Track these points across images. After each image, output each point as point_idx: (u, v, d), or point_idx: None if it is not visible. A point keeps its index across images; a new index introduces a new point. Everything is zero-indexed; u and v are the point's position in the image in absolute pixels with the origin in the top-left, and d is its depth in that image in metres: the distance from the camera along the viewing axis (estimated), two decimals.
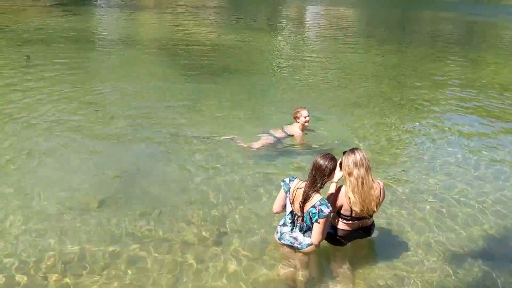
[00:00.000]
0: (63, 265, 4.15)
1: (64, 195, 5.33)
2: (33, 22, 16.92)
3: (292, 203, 3.95)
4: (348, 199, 3.97)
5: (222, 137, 6.96)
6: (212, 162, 6.40)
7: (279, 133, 6.88)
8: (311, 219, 3.85)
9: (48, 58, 11.76)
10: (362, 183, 3.90)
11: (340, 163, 4.04)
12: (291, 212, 3.98)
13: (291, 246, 4.09)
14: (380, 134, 7.85)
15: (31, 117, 7.64)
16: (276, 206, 4.14)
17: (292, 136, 6.90)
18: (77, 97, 8.86)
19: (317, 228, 3.85)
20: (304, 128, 6.88)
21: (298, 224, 3.99)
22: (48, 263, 4.17)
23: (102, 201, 5.23)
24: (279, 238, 4.14)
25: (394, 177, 6.21)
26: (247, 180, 5.92)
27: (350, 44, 17.16)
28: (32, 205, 5.09)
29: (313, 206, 3.82)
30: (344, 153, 4.05)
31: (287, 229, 4.08)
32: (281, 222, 4.17)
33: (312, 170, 3.88)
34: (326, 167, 3.84)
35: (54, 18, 18.20)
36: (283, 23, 23.03)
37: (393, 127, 8.34)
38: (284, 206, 4.06)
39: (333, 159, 3.91)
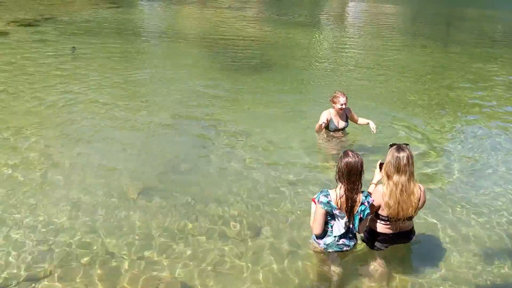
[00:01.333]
0: (103, 255, 4.27)
1: (105, 184, 5.49)
2: (80, 14, 17.40)
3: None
4: (384, 201, 3.85)
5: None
6: (252, 157, 6.45)
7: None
8: (361, 218, 3.80)
9: (93, 49, 12.09)
10: (401, 190, 3.76)
11: (381, 164, 3.94)
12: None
13: (340, 251, 3.99)
14: (423, 134, 7.72)
15: (76, 107, 7.91)
16: (319, 227, 3.84)
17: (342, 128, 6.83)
18: (120, 88, 9.12)
19: (366, 219, 3.87)
20: (339, 113, 6.72)
21: (346, 228, 3.88)
22: (90, 253, 4.30)
23: (142, 191, 5.36)
24: (325, 248, 3.98)
25: (435, 178, 6.11)
26: (285, 177, 5.95)
27: (393, 41, 16.89)
28: (75, 193, 5.26)
29: (362, 204, 3.76)
30: (390, 146, 3.89)
31: (331, 239, 3.93)
32: (321, 235, 3.95)
33: (347, 174, 3.70)
34: (358, 164, 3.69)
35: (100, 11, 18.67)
36: (325, 19, 22.87)
37: (436, 127, 8.17)
38: (326, 223, 3.88)
39: (358, 155, 3.76)
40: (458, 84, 11.38)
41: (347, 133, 6.93)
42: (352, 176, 3.69)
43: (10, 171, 5.63)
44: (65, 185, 5.41)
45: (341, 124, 6.75)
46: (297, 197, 5.45)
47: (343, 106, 6.57)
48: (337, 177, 3.79)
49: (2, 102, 7.91)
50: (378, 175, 4.01)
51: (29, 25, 14.36)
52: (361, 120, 6.90)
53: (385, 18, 25.09)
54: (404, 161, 3.74)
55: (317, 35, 17.53)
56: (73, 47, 11.97)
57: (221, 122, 7.64)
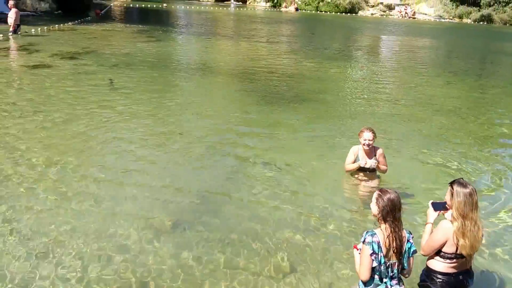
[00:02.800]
0: (136, 285, 4.35)
1: (138, 215, 5.59)
2: (120, 47, 18.04)
3: (385, 256, 3.64)
4: (455, 239, 3.71)
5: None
6: (285, 190, 6.50)
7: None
8: (408, 256, 3.71)
9: (131, 81, 12.50)
10: (477, 227, 3.69)
11: (433, 203, 3.91)
12: (385, 264, 3.65)
13: None
14: (466, 171, 7.63)
15: (112, 137, 8.14)
16: (366, 272, 3.61)
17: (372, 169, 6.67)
18: (156, 119, 9.34)
19: (412, 258, 3.74)
20: (366, 151, 6.55)
21: (395, 270, 3.69)
22: (120, 282, 4.39)
23: (176, 223, 5.44)
24: None
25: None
26: (319, 211, 5.98)
27: (428, 76, 16.84)
28: (107, 224, 5.37)
29: (408, 241, 3.69)
30: (451, 184, 3.82)
31: (379, 286, 3.71)
32: (369, 283, 3.71)
33: (391, 211, 3.63)
34: (399, 199, 3.66)
35: (139, 44, 19.32)
36: (358, 52, 22.99)
37: (470, 165, 8.05)
38: (372, 270, 3.67)
39: (395, 190, 3.74)
40: (497, 119, 11.24)
41: (379, 177, 6.84)
42: (396, 212, 3.64)
43: (42, 198, 5.81)
44: (98, 214, 5.54)
45: (369, 162, 6.50)
46: (330, 236, 5.45)
47: (367, 142, 6.42)
48: (380, 216, 3.68)
49: (42, 131, 8.22)
50: (434, 213, 3.94)
51: (72, 58, 14.97)
52: (382, 167, 6.65)
53: (419, 51, 25.06)
54: (476, 197, 3.71)
55: (350, 69, 17.64)
56: (110, 79, 12.41)
57: (255, 155, 7.74)
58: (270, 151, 7.98)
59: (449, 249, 3.78)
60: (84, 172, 6.66)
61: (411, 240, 3.71)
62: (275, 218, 5.71)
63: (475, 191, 3.76)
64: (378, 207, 3.69)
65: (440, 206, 3.97)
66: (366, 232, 3.71)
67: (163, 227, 5.37)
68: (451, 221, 3.78)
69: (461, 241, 3.69)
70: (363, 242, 3.64)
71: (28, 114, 9.06)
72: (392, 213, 3.63)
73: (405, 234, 3.69)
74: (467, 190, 3.72)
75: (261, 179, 6.82)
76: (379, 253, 3.61)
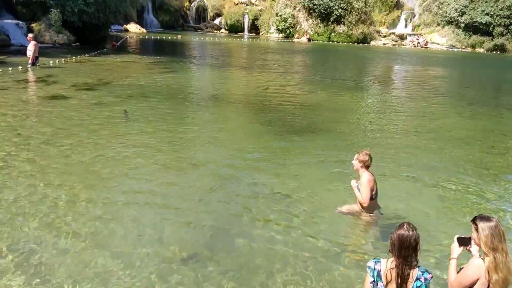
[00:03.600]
0: None
1: (151, 249, 5.61)
2: (135, 78, 18.33)
3: (385, 287, 3.59)
4: (488, 276, 3.61)
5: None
6: (297, 222, 6.49)
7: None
8: None
9: (146, 112, 12.65)
10: (506, 258, 3.59)
11: (459, 238, 3.85)
12: None
13: None
14: (466, 207, 7.54)
15: (126, 169, 8.23)
16: None
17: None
18: (170, 150, 9.43)
19: None
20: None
21: None
22: None
23: (189, 258, 5.45)
24: None
25: None
26: (331, 246, 5.93)
27: (441, 105, 16.81)
28: (120, 257, 5.40)
29: (417, 279, 3.53)
30: (474, 221, 3.75)
31: None
32: None
33: (399, 247, 3.54)
34: (412, 238, 3.52)
35: (154, 75, 19.63)
36: (370, 82, 23.06)
37: (488, 197, 7.96)
38: None
39: (415, 229, 3.59)
40: (507, 150, 11.13)
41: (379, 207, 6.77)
42: (403, 250, 3.52)
43: (51, 237, 5.84)
44: (111, 247, 5.57)
45: (353, 183, 6.52)
46: (350, 266, 5.39)
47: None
48: (389, 248, 3.64)
49: (55, 161, 8.32)
50: (457, 249, 3.86)
51: (88, 89, 15.24)
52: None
53: (432, 81, 25.07)
54: (501, 229, 3.65)
55: (362, 99, 17.68)
56: (125, 110, 12.58)
57: (268, 186, 7.76)
58: (284, 183, 7.99)
59: (480, 287, 3.68)
60: (97, 205, 6.70)
61: (422, 280, 3.52)
62: (286, 250, 5.68)
63: (499, 222, 3.71)
64: (390, 239, 3.64)
65: (465, 241, 3.88)
66: (377, 258, 3.69)
67: (175, 260, 5.36)
68: (482, 258, 3.71)
69: (495, 276, 3.59)
70: (367, 266, 3.62)
71: (43, 145, 9.22)
72: (398, 249, 3.53)
73: (415, 273, 3.54)
74: (492, 223, 3.67)
75: (274, 212, 6.81)
76: (379, 282, 3.55)
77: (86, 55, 24.05)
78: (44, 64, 19.77)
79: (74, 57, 22.56)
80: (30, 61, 18.99)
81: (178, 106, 13.82)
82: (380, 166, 9.06)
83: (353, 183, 6.47)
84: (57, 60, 20.89)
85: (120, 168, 8.25)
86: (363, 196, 6.30)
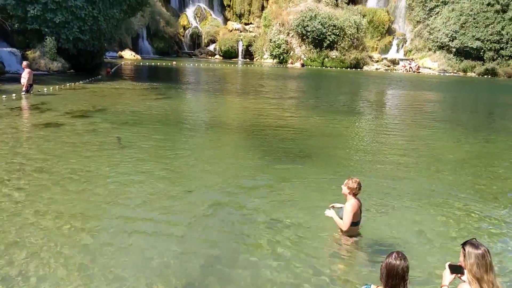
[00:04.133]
0: None
1: (143, 278, 5.52)
2: (130, 104, 18.36)
3: None
4: None
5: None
6: (291, 249, 6.42)
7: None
8: None
9: (139, 138, 12.61)
10: None
11: (451, 266, 3.80)
12: None
13: None
14: (459, 233, 7.50)
15: (119, 197, 8.16)
16: None
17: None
18: (163, 177, 9.37)
19: None
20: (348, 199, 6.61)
21: None
22: None
23: (181, 284, 5.37)
24: None
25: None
26: (321, 273, 5.86)
27: (435, 130, 16.89)
28: (111, 282, 5.31)
29: None
30: (463, 246, 3.73)
31: None
32: None
33: (386, 276, 3.55)
34: (399, 268, 3.52)
35: (148, 101, 19.67)
36: (363, 107, 23.18)
37: (476, 224, 7.93)
38: None
39: (405, 258, 3.58)
40: (508, 174, 11.14)
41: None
42: (391, 279, 3.53)
43: (42, 264, 5.74)
44: (103, 278, 5.47)
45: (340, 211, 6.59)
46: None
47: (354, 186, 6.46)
48: (380, 276, 3.66)
49: (47, 189, 8.24)
50: (448, 277, 3.82)
51: (81, 116, 15.22)
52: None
53: (425, 105, 25.25)
54: (489, 257, 3.61)
55: (356, 123, 17.74)
56: (118, 137, 12.55)
57: (263, 212, 7.70)
58: (278, 209, 7.94)
59: None
60: (87, 233, 6.61)
61: None
62: (283, 282, 5.59)
63: (488, 252, 3.67)
64: (380, 267, 3.66)
65: (457, 269, 3.85)
66: (368, 285, 3.74)
67: None
68: (469, 283, 3.67)
69: None
70: None
71: (35, 173, 9.14)
72: (385, 277, 3.54)
73: None
74: (479, 251, 3.63)
75: (268, 240, 6.75)
76: None
77: (81, 82, 24.12)
78: (38, 91, 19.80)
79: (68, 84, 22.62)
80: (24, 89, 19.02)
81: (173, 132, 13.81)
82: (373, 190, 9.04)
83: (329, 212, 6.54)
84: (51, 87, 20.93)
85: (112, 196, 8.17)
86: (345, 221, 6.42)
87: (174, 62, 46.15)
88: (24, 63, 20.10)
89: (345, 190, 6.53)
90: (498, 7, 55.37)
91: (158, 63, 43.88)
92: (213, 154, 11.71)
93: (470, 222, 7.87)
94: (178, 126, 14.82)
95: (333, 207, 6.73)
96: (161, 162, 10.49)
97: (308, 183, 9.55)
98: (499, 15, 55.63)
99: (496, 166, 11.98)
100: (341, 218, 6.51)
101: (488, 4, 55.46)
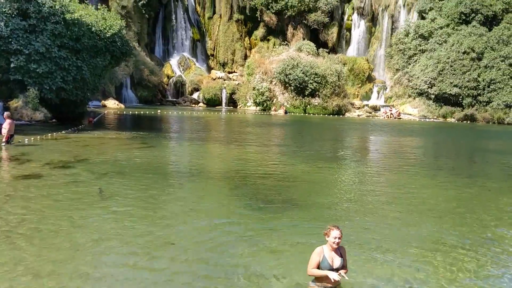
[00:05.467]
0: None
1: None
2: (113, 154, 18.22)
3: None
4: None
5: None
6: None
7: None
8: None
9: (122, 189, 12.44)
10: None
11: None
12: None
13: None
14: (453, 283, 7.41)
15: (99, 252, 7.93)
16: None
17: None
18: (145, 229, 9.17)
19: None
20: (333, 249, 6.51)
21: None
22: None
23: None
24: None
25: None
26: None
27: (416, 176, 16.97)
28: None
29: None
30: None
31: None
32: None
33: None
34: None
35: (131, 150, 19.53)
36: (346, 154, 23.32)
37: (466, 275, 7.84)
38: None
39: None
40: (490, 221, 11.14)
41: (347, 279, 6.61)
42: None
43: None
44: None
45: (336, 261, 6.43)
46: None
47: (337, 241, 6.39)
48: None
49: (27, 244, 7.99)
50: None
51: (62, 167, 15.01)
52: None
53: (407, 151, 25.52)
54: None
55: (339, 170, 17.78)
56: (100, 188, 12.36)
57: (244, 265, 7.53)
58: (261, 261, 7.78)
59: None
60: None
61: None
62: None
63: None
64: None
65: None
66: None
67: None
68: None
69: None
70: None
71: (13, 227, 8.87)
72: None
73: None
74: None
75: None
76: None
77: (63, 132, 23.97)
78: (19, 142, 19.58)
79: (50, 134, 22.44)
80: (4, 140, 18.81)
81: (155, 183, 13.63)
82: (356, 239, 8.94)
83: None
84: (32, 138, 20.73)
85: (92, 252, 7.94)
86: (308, 265, 6.49)
87: (159, 111, 46.36)
88: (5, 113, 19.98)
89: (340, 236, 6.55)
90: (473, 55, 57.30)
91: (142, 112, 44.00)
92: (196, 204, 11.55)
93: (455, 271, 7.77)
94: (161, 176, 14.66)
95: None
96: (144, 214, 10.29)
97: (292, 232, 9.41)
98: (474, 63, 57.50)
99: (478, 212, 12.00)
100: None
101: (464, 52, 57.39)
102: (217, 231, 9.37)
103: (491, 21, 60.19)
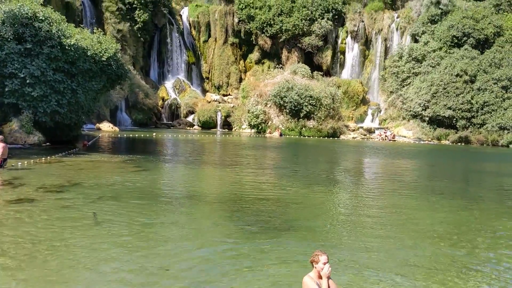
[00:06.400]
0: None
1: None
2: (106, 178, 18.10)
3: None
4: None
5: None
6: None
7: None
8: None
9: (116, 214, 12.31)
10: None
11: None
12: None
13: None
14: None
15: (93, 277, 7.80)
16: None
17: None
18: (140, 254, 9.04)
19: None
20: (320, 278, 6.35)
21: None
22: None
23: None
24: None
25: None
26: None
27: (411, 199, 16.92)
28: None
29: None
30: None
31: None
32: None
33: None
34: None
35: (125, 174, 19.43)
36: (341, 176, 23.27)
37: None
38: None
39: None
40: (486, 244, 11.07)
41: None
42: None
43: None
44: None
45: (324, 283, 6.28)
46: None
47: (328, 270, 6.29)
48: None
49: (19, 270, 7.84)
50: None
51: (56, 191, 14.88)
52: None
53: (402, 173, 25.52)
54: None
55: (335, 193, 17.72)
56: (94, 213, 12.24)
57: None
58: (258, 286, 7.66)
59: None
60: None
61: None
62: None
63: None
64: None
65: None
66: None
67: None
68: None
69: None
70: None
71: (5, 251, 8.74)
72: None
73: None
74: None
75: None
76: None
77: (57, 155, 23.83)
78: (13, 166, 19.43)
79: (44, 158, 22.30)
80: None
81: (150, 207, 13.50)
82: (350, 263, 8.85)
83: None
84: (25, 162, 20.58)
85: (86, 277, 7.80)
86: None
87: (154, 134, 46.34)
88: None
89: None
90: (466, 77, 57.86)
91: (136, 135, 43.95)
92: (190, 229, 11.43)
93: None
94: (155, 200, 14.53)
95: None
96: (138, 239, 10.17)
97: (288, 257, 9.33)
98: (467, 85, 58.02)
99: (472, 234, 11.94)
100: None
101: (457, 75, 57.95)
102: (212, 257, 9.25)
103: (483, 44, 60.98)
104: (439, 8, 64.33)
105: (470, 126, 57.87)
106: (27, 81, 26.86)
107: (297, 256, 9.41)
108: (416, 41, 65.26)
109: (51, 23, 28.29)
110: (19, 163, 20.06)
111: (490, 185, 22.52)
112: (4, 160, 18.98)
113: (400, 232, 11.86)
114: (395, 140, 57.48)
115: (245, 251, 9.64)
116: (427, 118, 59.65)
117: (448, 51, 61.23)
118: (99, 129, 47.88)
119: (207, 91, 70.23)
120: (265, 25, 67.24)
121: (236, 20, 69.93)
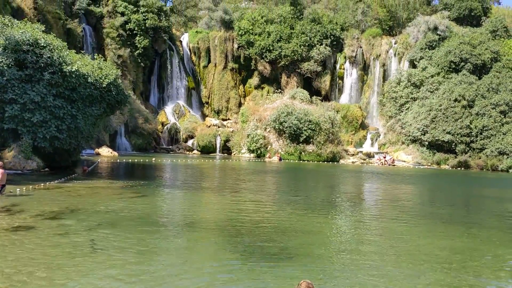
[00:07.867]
0: None
1: None
2: (104, 204, 17.99)
3: None
4: None
5: None
6: None
7: None
8: None
9: (113, 241, 12.21)
10: None
11: None
12: None
13: None
14: None
15: None
16: None
17: None
18: (137, 282, 8.92)
19: None
20: None
21: None
22: None
23: None
24: None
25: None
26: None
27: (412, 225, 16.81)
28: None
29: None
30: None
31: None
32: None
33: None
34: None
35: (124, 200, 19.32)
36: (341, 202, 23.14)
37: None
38: None
39: None
40: (492, 272, 10.96)
41: None
42: None
43: None
44: None
45: None
46: None
47: None
48: None
49: None
50: None
51: (54, 218, 14.78)
52: None
53: (402, 199, 25.40)
54: None
55: (335, 219, 17.59)
56: (92, 240, 12.13)
57: None
58: None
59: None
60: None
61: None
62: None
63: None
64: None
65: None
66: None
67: None
68: None
69: None
70: None
71: (4, 278, 8.64)
72: None
73: None
74: None
75: None
76: None
77: (55, 181, 23.73)
78: (11, 192, 19.33)
79: (42, 184, 22.20)
80: None
81: (148, 234, 13.39)
82: None
83: None
84: (24, 188, 20.49)
85: None
86: None
87: (153, 159, 46.29)
88: None
89: None
90: (464, 102, 58.18)
91: (136, 160, 43.88)
92: (188, 257, 11.32)
93: None
94: (153, 227, 14.42)
95: None
96: (136, 267, 10.05)
97: (286, 284, 9.18)
98: (466, 110, 58.30)
99: (475, 262, 11.82)
100: None
101: (455, 100, 58.27)
102: (212, 284, 9.13)
103: (480, 70, 61.52)
104: (437, 34, 65.14)
105: (470, 150, 57.92)
106: (27, 107, 26.93)
107: (295, 284, 9.27)
108: (414, 66, 65.84)
109: (53, 50, 28.53)
110: (18, 189, 19.95)
111: (491, 211, 22.39)
112: (2, 186, 18.90)
113: (400, 261, 11.74)
114: (394, 165, 57.41)
115: (243, 280, 9.53)
116: (426, 143, 59.74)
117: (446, 76, 61.72)
118: (98, 154, 47.82)
119: (207, 116, 70.48)
120: (264, 51, 67.93)
121: (235, 46, 70.65)
